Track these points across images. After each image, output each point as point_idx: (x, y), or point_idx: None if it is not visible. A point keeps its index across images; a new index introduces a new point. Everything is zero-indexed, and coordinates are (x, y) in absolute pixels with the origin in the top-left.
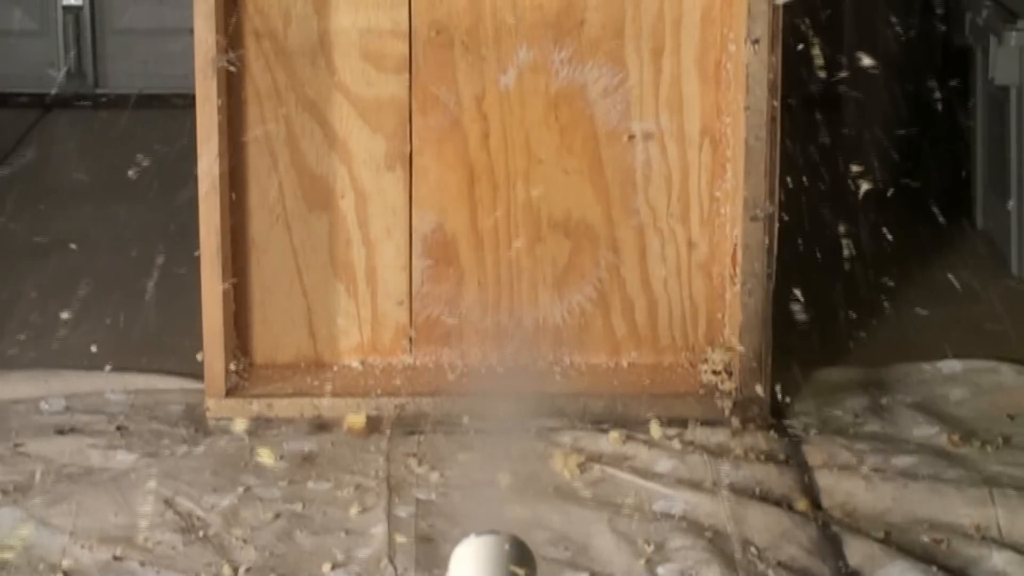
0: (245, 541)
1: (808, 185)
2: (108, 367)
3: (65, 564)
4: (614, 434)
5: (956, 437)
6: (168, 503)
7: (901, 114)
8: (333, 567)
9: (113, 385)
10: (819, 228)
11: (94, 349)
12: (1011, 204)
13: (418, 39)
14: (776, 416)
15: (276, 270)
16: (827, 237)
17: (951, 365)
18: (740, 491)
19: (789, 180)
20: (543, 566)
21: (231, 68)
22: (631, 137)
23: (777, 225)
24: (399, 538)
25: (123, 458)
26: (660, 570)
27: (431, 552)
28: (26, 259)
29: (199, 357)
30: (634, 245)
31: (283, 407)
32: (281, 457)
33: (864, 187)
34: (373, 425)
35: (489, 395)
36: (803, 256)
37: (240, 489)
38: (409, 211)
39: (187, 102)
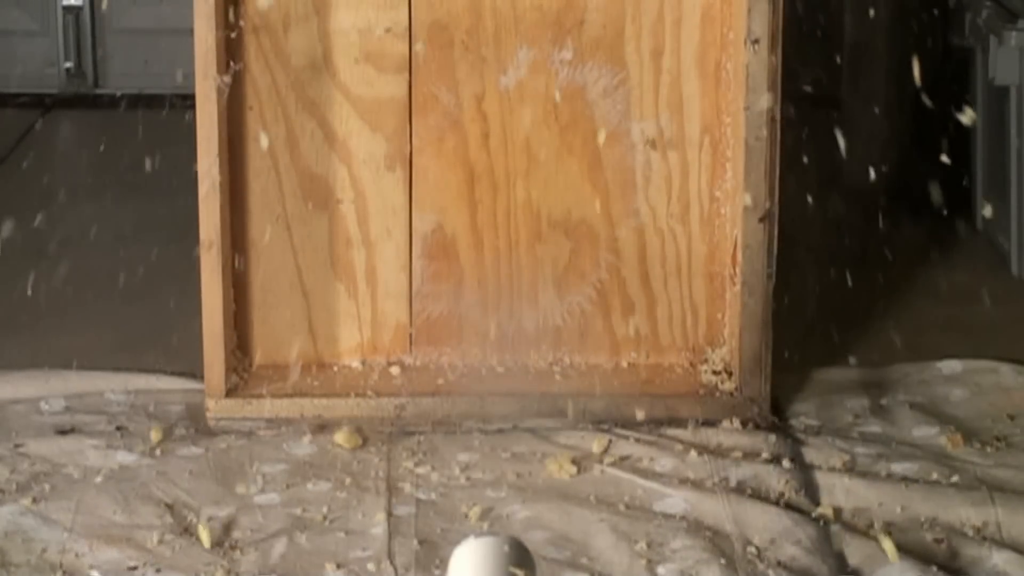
0: (245, 542)
1: (808, 186)
2: (108, 367)
3: (65, 564)
4: (600, 438)
5: (956, 437)
6: (168, 503)
7: (900, 114)
8: (334, 567)
9: (113, 385)
10: (819, 228)
11: (89, 346)
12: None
13: (418, 39)
14: (776, 416)
15: (276, 270)
16: (827, 237)
17: (951, 365)
18: (740, 491)
19: (789, 180)
20: (543, 566)
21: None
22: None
23: (777, 225)
24: (399, 538)
25: (123, 458)
26: (660, 570)
27: (431, 552)
28: (26, 259)
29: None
30: (634, 245)
31: (283, 407)
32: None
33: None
34: (364, 435)
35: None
36: (803, 256)
37: (240, 489)
38: (409, 211)
39: (187, 102)
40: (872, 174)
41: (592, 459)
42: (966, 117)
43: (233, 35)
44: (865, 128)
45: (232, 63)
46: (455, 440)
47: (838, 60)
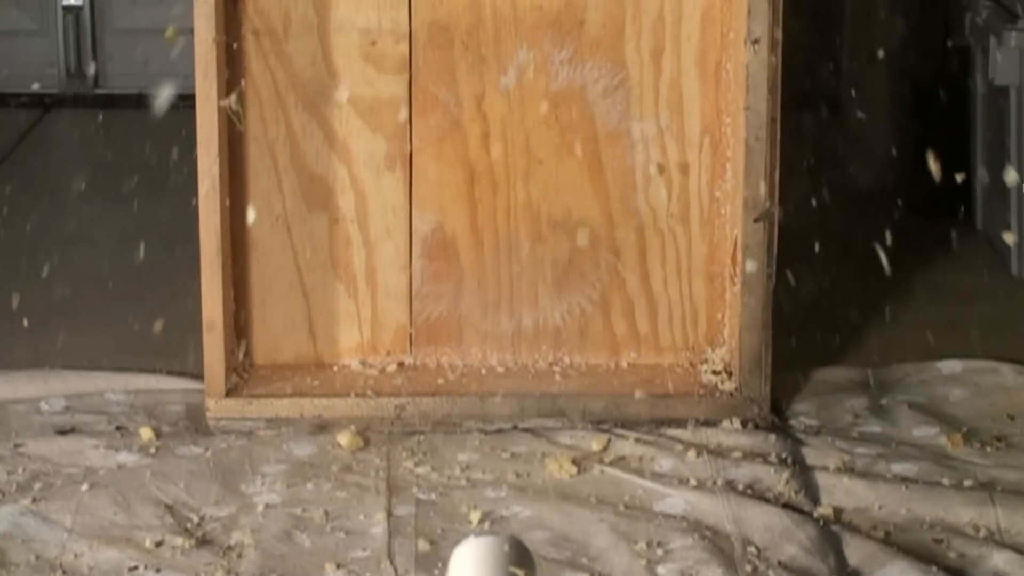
0: (245, 542)
1: (808, 185)
2: (108, 367)
3: (65, 564)
4: (600, 438)
5: (956, 437)
6: (168, 504)
7: (900, 114)
8: (334, 568)
9: (113, 385)
10: (819, 228)
11: (89, 346)
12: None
13: (418, 39)
14: (776, 416)
15: (276, 270)
16: (827, 237)
17: (951, 365)
18: (740, 491)
19: (789, 180)
20: (543, 566)
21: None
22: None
23: (777, 225)
24: (399, 538)
25: (123, 458)
26: (660, 570)
27: (431, 552)
28: (26, 259)
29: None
30: (634, 245)
31: (283, 407)
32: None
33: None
34: (365, 438)
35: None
36: (803, 256)
37: (240, 489)
38: (409, 211)
39: (187, 102)
40: (872, 175)
41: (592, 459)
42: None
43: (233, 35)
44: (865, 128)
45: (238, 82)
46: (455, 440)
47: (839, 61)
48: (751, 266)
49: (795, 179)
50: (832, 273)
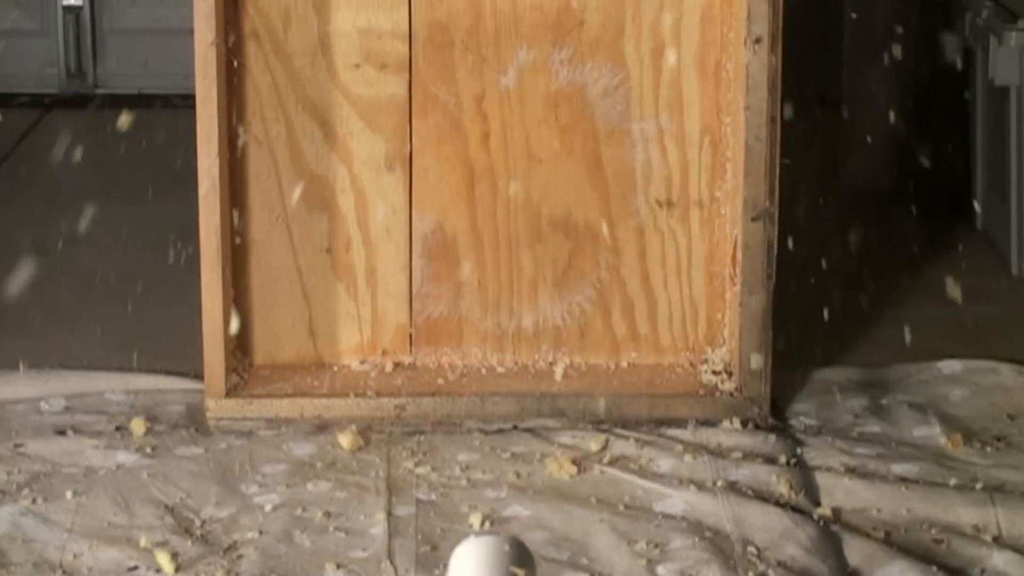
0: (245, 542)
1: (808, 185)
2: (108, 367)
3: (65, 564)
4: (599, 438)
5: (956, 437)
6: (168, 504)
7: (901, 114)
8: (334, 568)
9: (113, 385)
10: (819, 228)
11: (89, 346)
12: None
13: (418, 39)
14: (776, 416)
15: (276, 270)
16: (827, 237)
17: (951, 365)
18: (740, 491)
19: (789, 180)
20: (543, 566)
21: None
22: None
23: (777, 225)
24: (399, 538)
25: (123, 458)
26: (660, 570)
27: (431, 552)
28: (27, 259)
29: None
30: (634, 245)
31: (283, 407)
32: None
33: None
34: (365, 437)
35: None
36: (803, 256)
37: (240, 489)
38: (409, 211)
39: (187, 102)
40: (872, 174)
41: (592, 459)
42: None
43: (235, 48)
44: (866, 128)
45: (238, 82)
46: (455, 440)
47: (839, 60)
48: (751, 266)
49: (795, 180)
50: (832, 273)
